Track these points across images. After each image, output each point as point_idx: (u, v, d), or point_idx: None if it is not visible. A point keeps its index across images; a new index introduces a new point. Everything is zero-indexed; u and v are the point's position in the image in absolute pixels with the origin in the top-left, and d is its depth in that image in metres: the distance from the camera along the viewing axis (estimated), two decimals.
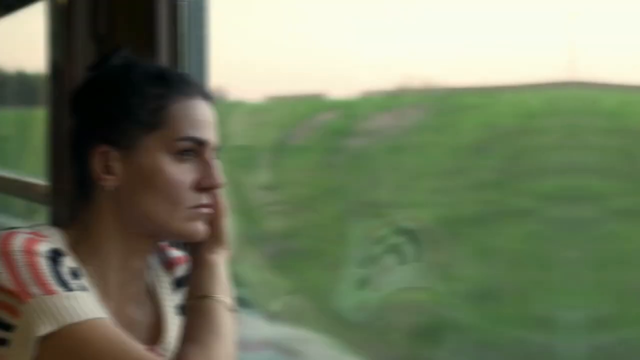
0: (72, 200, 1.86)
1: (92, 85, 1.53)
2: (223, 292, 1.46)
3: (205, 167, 1.47)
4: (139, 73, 1.48)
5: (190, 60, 1.85)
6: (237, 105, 2.23)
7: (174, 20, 1.83)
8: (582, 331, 1.70)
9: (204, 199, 1.48)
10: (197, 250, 1.54)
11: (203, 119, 1.47)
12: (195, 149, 1.47)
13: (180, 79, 1.50)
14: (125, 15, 1.90)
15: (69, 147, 1.54)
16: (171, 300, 1.62)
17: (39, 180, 2.63)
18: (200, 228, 1.48)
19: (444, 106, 1.81)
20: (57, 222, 1.53)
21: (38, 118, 3.56)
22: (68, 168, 1.88)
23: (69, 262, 1.39)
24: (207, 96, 1.53)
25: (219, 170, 1.49)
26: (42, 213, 2.53)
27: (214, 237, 1.54)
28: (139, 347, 1.30)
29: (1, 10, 3.02)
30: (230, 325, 1.42)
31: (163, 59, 1.82)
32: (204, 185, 1.47)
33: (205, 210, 1.48)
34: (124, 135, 1.44)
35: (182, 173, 1.44)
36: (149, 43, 1.82)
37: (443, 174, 1.86)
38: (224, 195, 1.57)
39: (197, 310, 1.42)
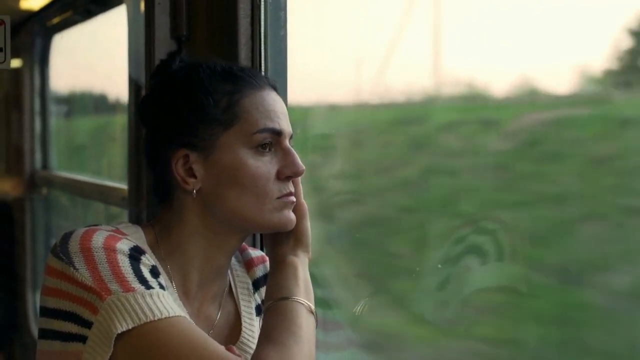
0: (151, 201, 1.89)
1: (160, 92, 1.53)
2: (303, 293, 1.45)
3: (285, 156, 1.47)
4: (204, 73, 1.48)
5: (270, 61, 1.86)
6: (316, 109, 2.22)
7: (253, 20, 1.84)
8: None
9: (289, 187, 1.48)
10: (278, 251, 1.54)
11: (275, 109, 1.47)
12: (273, 140, 1.47)
13: (246, 73, 1.50)
14: (204, 17, 1.91)
15: (145, 152, 1.56)
16: (250, 301, 1.62)
17: (118, 184, 2.68)
18: (290, 216, 1.49)
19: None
20: (137, 223, 1.55)
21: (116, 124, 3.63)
22: (148, 171, 1.91)
23: (148, 260, 1.40)
24: (274, 86, 1.53)
25: (299, 157, 1.49)
26: (123, 217, 2.57)
27: (295, 238, 1.53)
28: (217, 346, 1.30)
29: (81, 16, 3.08)
30: (310, 327, 1.41)
31: (242, 60, 1.82)
32: (287, 174, 1.47)
33: (292, 198, 1.49)
34: (201, 137, 1.45)
35: (264, 165, 1.45)
36: (229, 44, 1.83)
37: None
38: (303, 196, 1.57)
39: (276, 311, 1.42)
